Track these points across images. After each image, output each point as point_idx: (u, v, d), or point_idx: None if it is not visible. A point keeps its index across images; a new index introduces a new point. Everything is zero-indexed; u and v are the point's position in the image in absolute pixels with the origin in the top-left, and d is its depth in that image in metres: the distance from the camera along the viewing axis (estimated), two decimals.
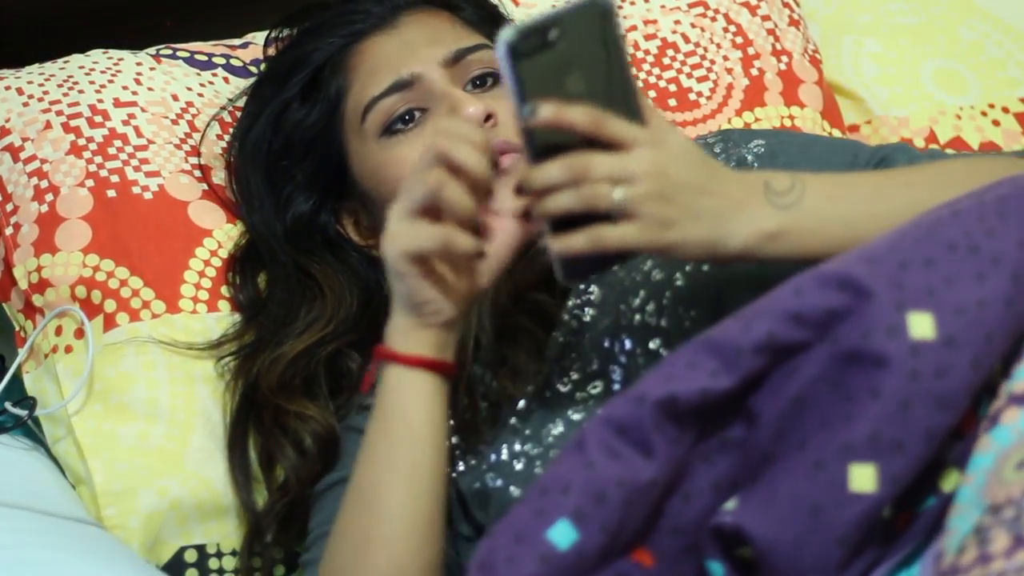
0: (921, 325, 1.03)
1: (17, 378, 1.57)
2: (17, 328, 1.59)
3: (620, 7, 1.85)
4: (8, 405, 1.55)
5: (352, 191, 1.56)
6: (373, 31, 1.54)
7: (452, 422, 1.37)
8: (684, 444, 1.07)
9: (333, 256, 1.54)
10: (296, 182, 1.55)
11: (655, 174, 1.14)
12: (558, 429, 1.33)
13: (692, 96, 1.79)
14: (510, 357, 1.37)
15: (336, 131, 1.54)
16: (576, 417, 1.33)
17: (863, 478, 1.02)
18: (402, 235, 1.20)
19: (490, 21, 1.61)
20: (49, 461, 1.54)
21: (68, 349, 1.53)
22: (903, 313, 1.03)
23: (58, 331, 1.54)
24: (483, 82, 1.51)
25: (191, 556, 1.48)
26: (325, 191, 1.55)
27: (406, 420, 1.22)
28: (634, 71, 1.36)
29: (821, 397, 1.05)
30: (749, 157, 1.45)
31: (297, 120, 1.55)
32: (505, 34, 1.10)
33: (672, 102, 1.79)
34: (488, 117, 1.44)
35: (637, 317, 1.33)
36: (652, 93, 1.80)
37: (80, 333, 1.53)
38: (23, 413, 1.53)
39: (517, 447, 1.34)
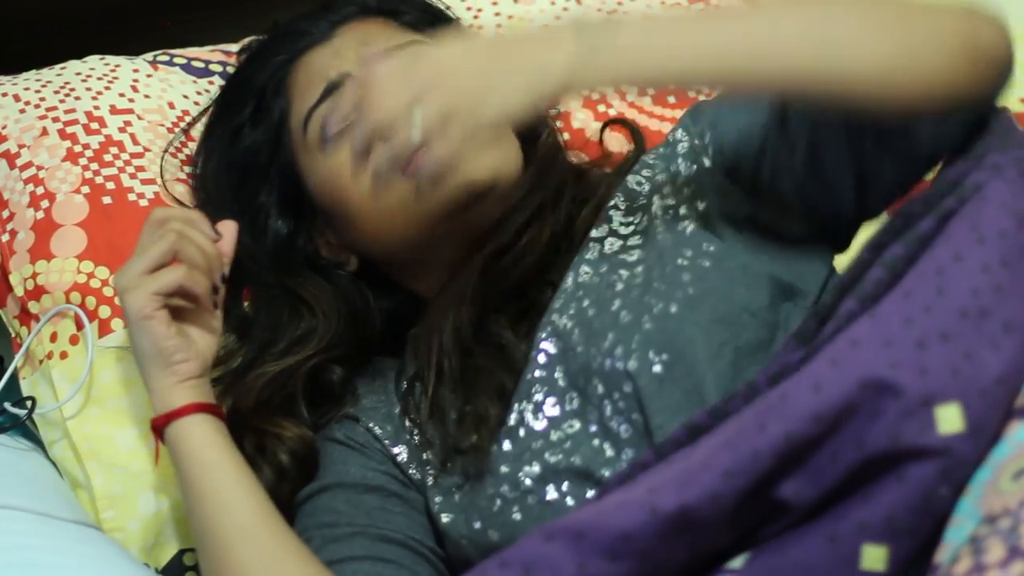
0: (950, 419, 1.00)
1: (17, 379, 1.56)
2: (13, 335, 1.57)
3: (620, 3, 1.83)
4: (8, 405, 1.54)
5: (316, 210, 1.53)
6: (310, 48, 1.52)
7: (418, 441, 1.39)
8: (692, 547, 1.04)
9: (318, 275, 1.52)
10: (266, 208, 1.53)
11: (436, 82, 1.15)
12: (535, 471, 1.30)
13: (692, 92, 1.68)
14: (472, 402, 1.35)
15: (287, 152, 1.52)
16: (553, 460, 1.29)
17: (874, 558, 1.00)
18: (145, 282, 1.36)
19: (432, 22, 1.58)
20: (47, 462, 1.53)
21: (64, 355, 1.52)
22: (931, 408, 1.00)
23: (53, 337, 1.52)
24: None
25: (190, 559, 1.47)
26: (297, 213, 1.53)
27: (200, 461, 1.35)
28: None
29: (845, 484, 1.03)
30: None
31: (248, 147, 1.54)
32: None
33: (671, 99, 1.76)
34: None
35: (607, 362, 1.28)
36: (651, 89, 1.75)
37: (75, 339, 1.52)
38: (22, 413, 1.51)
39: (491, 489, 1.31)
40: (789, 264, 1.33)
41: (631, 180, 1.44)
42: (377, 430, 1.43)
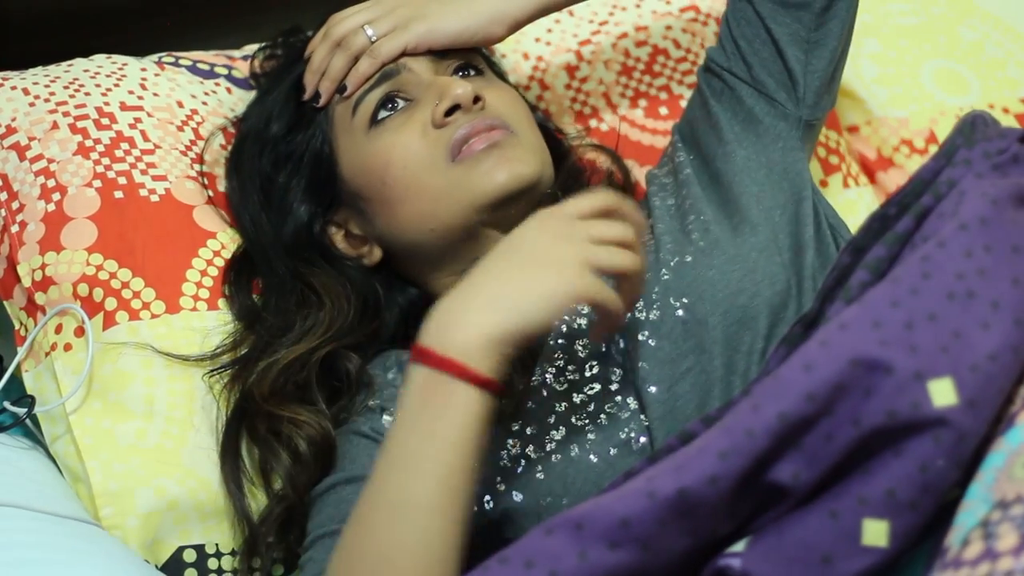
0: (943, 392, 1.00)
1: (16, 378, 1.54)
2: (18, 326, 1.55)
3: (611, 14, 1.84)
4: (7, 404, 1.52)
5: (341, 198, 1.55)
6: None
7: None
8: (692, 534, 1.03)
9: (330, 265, 1.53)
10: (292, 194, 1.55)
11: (384, 12, 1.54)
12: (559, 434, 1.32)
13: (683, 103, 1.75)
14: None
15: (324, 135, 1.54)
16: (579, 423, 1.32)
17: (876, 533, 1.00)
18: (593, 281, 1.15)
19: None
20: (48, 460, 1.51)
21: (67, 347, 1.50)
22: (923, 382, 1.00)
23: (58, 329, 1.51)
24: (466, 73, 1.54)
25: (190, 556, 1.45)
26: (320, 200, 1.54)
27: (463, 437, 1.13)
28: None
29: (844, 464, 1.02)
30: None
31: (283, 130, 1.56)
32: None
33: (663, 111, 1.77)
34: (477, 99, 1.47)
35: (628, 315, 1.32)
36: (643, 102, 1.77)
37: (80, 331, 1.50)
38: (22, 411, 1.49)
39: (516, 450, 1.33)
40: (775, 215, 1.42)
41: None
42: None
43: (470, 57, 1.55)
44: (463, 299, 1.16)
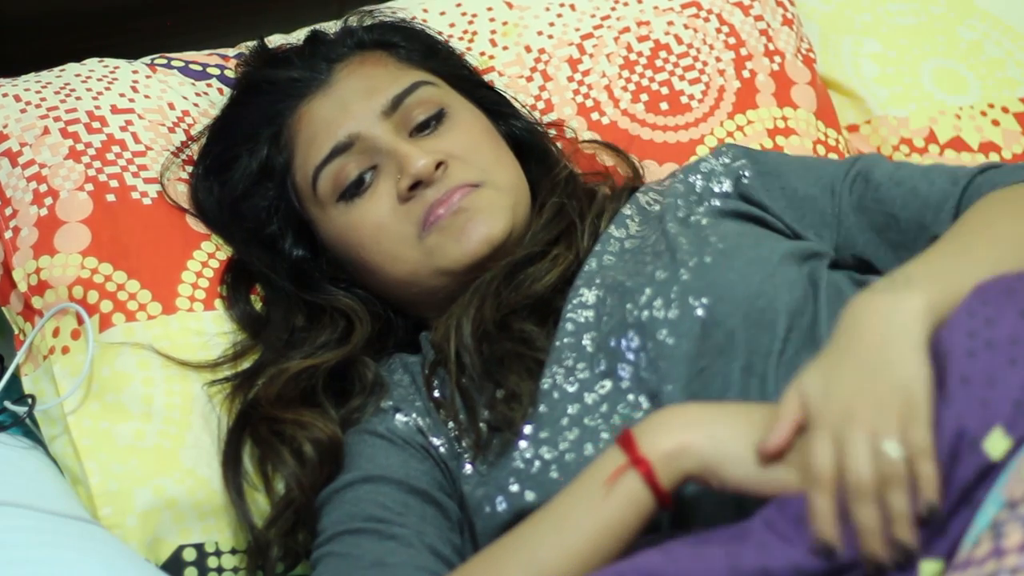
0: (997, 444, 1.01)
1: (17, 378, 1.52)
2: (16, 331, 1.53)
3: (613, 8, 1.80)
4: (7, 403, 1.50)
5: (325, 251, 1.52)
6: (311, 94, 1.50)
7: (455, 433, 1.36)
8: None
9: (339, 289, 1.51)
10: (281, 237, 1.52)
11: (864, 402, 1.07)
12: (573, 435, 1.30)
13: (684, 99, 1.74)
14: (502, 381, 1.34)
15: (291, 200, 1.51)
16: (591, 424, 1.29)
17: (931, 572, 1.01)
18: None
19: (427, 54, 1.58)
20: (48, 460, 1.49)
21: (65, 350, 1.48)
22: (979, 445, 1.02)
23: (55, 332, 1.48)
24: (426, 125, 1.47)
25: (190, 555, 1.43)
26: (311, 246, 1.52)
27: (617, 523, 1.14)
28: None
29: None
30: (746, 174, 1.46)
31: (247, 190, 1.52)
32: None
33: (664, 105, 1.73)
34: (439, 165, 1.42)
35: (645, 313, 1.31)
36: (644, 96, 1.74)
37: (77, 334, 1.48)
38: (22, 410, 1.47)
39: (530, 452, 1.30)
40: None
41: (641, 199, 1.48)
42: (420, 421, 1.40)
43: (430, 97, 1.49)
44: (695, 413, 1.16)
